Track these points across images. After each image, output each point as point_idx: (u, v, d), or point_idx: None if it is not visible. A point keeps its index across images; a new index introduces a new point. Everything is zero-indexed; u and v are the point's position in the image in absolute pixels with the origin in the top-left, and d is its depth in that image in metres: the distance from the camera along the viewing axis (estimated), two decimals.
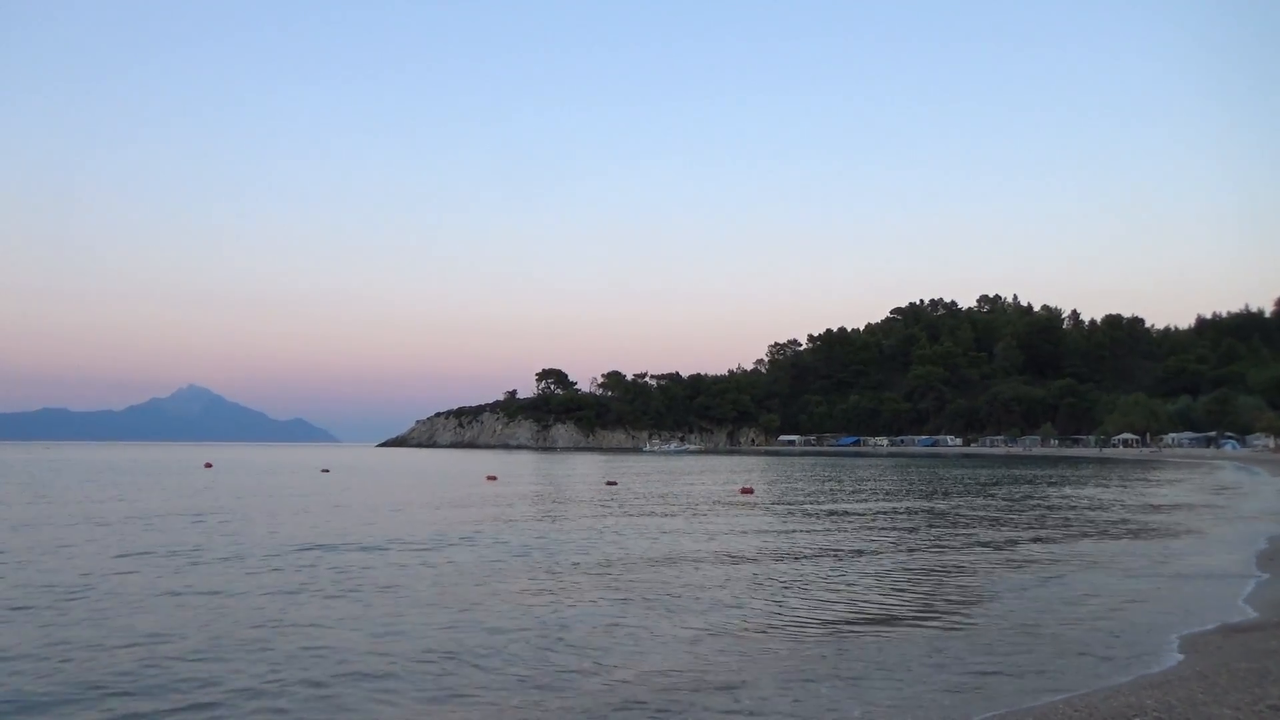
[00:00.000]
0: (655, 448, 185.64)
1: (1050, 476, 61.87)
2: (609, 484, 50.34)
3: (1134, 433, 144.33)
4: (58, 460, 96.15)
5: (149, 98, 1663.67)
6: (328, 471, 69.62)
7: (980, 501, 37.62)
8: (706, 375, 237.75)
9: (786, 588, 15.34)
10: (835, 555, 19.58)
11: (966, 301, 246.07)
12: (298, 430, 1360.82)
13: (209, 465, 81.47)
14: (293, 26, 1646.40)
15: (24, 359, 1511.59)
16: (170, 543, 20.95)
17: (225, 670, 9.78)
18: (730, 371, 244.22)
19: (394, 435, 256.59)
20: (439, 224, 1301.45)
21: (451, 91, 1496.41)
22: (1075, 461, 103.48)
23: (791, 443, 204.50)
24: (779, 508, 34.00)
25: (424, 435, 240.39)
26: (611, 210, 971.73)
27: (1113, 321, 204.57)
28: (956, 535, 24.17)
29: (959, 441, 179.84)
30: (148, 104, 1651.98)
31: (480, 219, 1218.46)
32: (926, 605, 13.91)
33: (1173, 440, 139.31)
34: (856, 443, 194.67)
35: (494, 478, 55.43)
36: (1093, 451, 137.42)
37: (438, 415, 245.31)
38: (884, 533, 24.68)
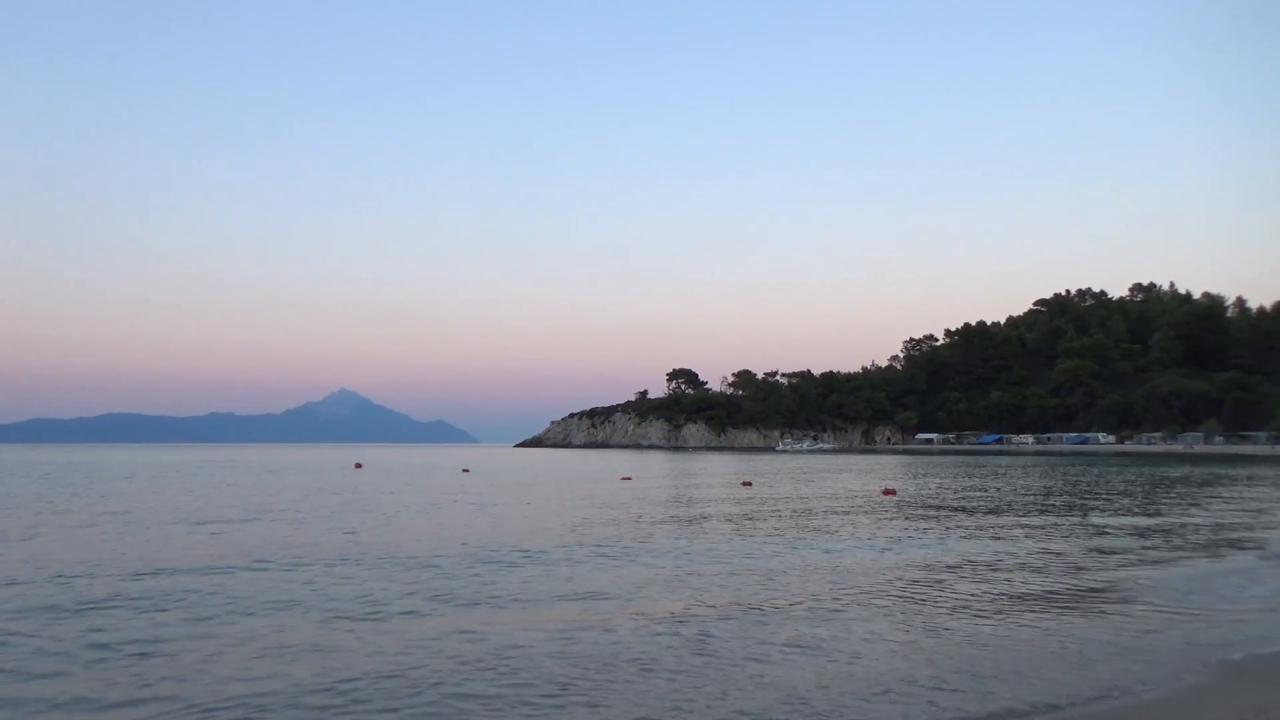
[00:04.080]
0: (788, 447, 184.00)
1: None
2: (744, 484, 50.33)
3: None
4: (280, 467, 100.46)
5: (298, 110, 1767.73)
6: (468, 471, 72.19)
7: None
8: (839, 373, 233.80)
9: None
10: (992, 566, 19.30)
11: (1117, 291, 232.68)
12: (440, 431, 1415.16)
13: (359, 466, 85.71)
14: (443, 34, 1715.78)
15: (196, 368, 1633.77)
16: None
17: None
18: (864, 368, 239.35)
19: (530, 435, 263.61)
20: (570, 228, 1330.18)
21: (583, 93, 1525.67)
22: (1250, 460, 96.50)
23: (929, 441, 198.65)
24: (923, 510, 33.44)
25: (559, 436, 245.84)
26: (741, 208, 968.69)
27: None
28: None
29: (1111, 439, 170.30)
30: (299, 118, 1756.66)
31: (607, 221, 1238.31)
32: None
33: None
34: (999, 440, 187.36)
35: (628, 478, 55.88)
36: (1264, 449, 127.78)
37: (571, 416, 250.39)
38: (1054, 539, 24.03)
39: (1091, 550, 20.55)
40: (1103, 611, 13.57)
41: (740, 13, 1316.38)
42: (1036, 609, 13.75)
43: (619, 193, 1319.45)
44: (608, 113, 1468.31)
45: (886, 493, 42.87)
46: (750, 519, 28.81)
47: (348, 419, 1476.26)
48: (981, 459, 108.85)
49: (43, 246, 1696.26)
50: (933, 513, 31.21)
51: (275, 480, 56.96)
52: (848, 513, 31.46)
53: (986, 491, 44.15)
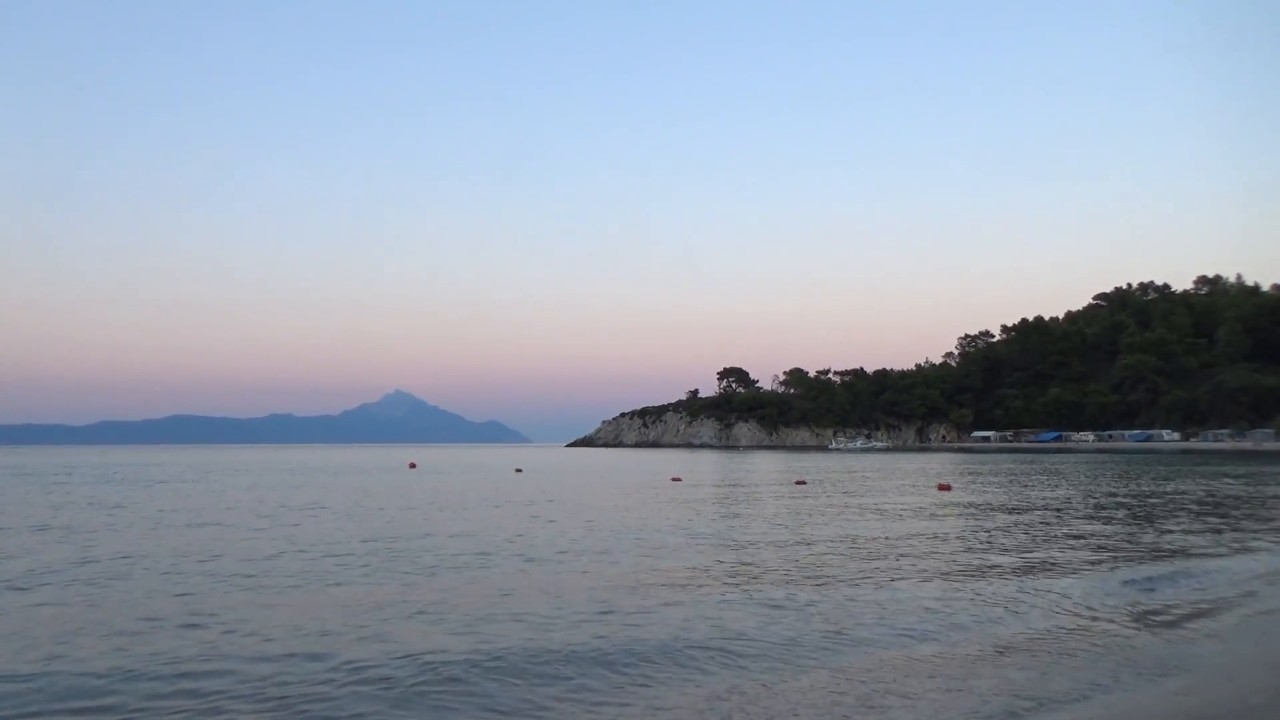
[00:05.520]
0: (841, 445, 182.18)
1: None
2: (798, 483, 50.31)
3: None
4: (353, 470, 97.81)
5: (355, 117, 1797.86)
6: (520, 471, 72.67)
7: None
8: (892, 370, 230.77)
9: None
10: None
11: (1181, 284, 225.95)
12: (492, 431, 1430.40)
13: (413, 466, 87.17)
14: (500, 40, 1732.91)
15: (257, 371, 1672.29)
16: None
17: None
18: (918, 366, 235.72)
19: (581, 435, 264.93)
20: (619, 229, 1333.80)
21: (629, 95, 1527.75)
22: None
23: (986, 439, 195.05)
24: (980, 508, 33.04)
25: (610, 435, 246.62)
26: (792, 205, 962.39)
27: None
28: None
29: (1176, 436, 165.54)
30: (357, 125, 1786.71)
31: (658, 221, 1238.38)
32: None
33: None
34: (1058, 438, 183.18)
35: (679, 479, 55.61)
36: None
37: (623, 415, 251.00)
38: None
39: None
40: None
41: (792, 13, 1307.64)
42: None
43: (670, 193, 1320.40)
44: (651, 114, 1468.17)
45: (941, 488, 42.77)
46: (822, 547, 28.57)
47: (403, 420, 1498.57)
48: (1043, 457, 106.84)
49: (109, 254, 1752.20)
50: (1021, 533, 30.42)
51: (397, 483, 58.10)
52: (923, 549, 30.97)
53: (1062, 495, 43.30)
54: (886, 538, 22.75)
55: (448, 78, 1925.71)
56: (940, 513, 30.55)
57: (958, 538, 22.80)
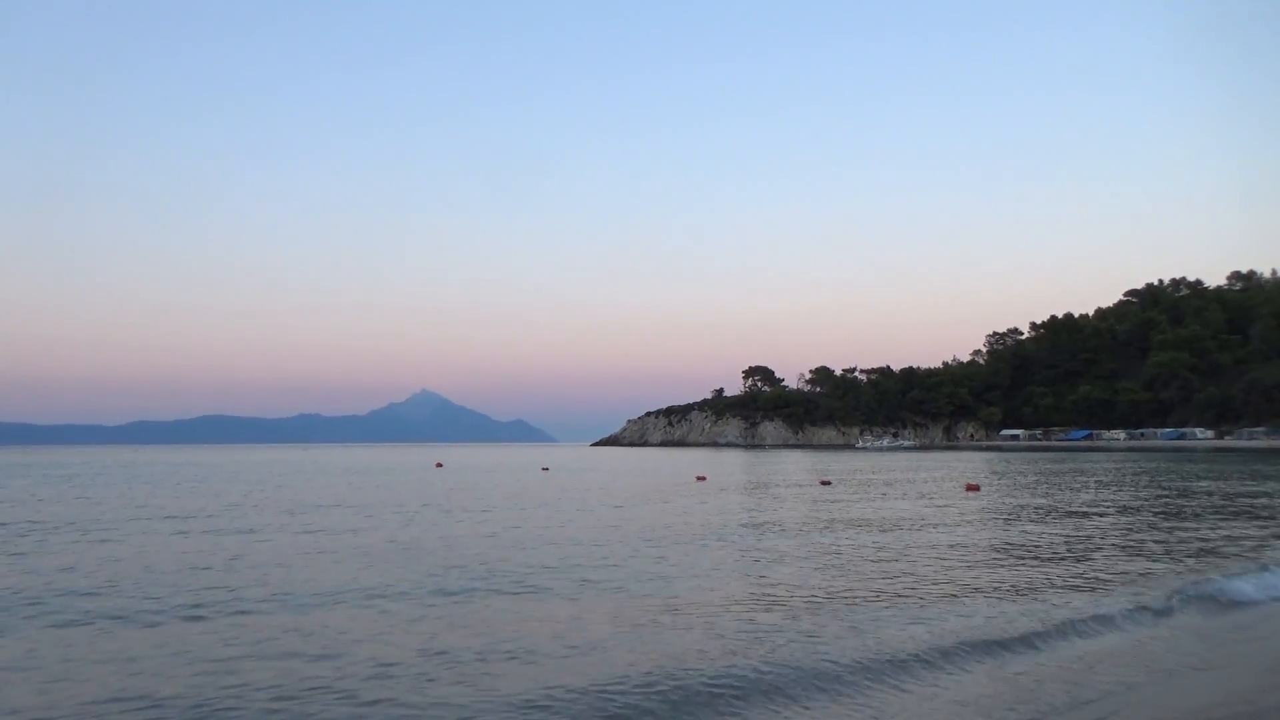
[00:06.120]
0: (867, 444, 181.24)
1: None
2: (823, 483, 50.25)
3: None
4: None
5: (380, 119, 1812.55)
6: (547, 470, 73.34)
7: None
8: (919, 368, 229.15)
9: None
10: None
11: (1214, 280, 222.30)
12: (518, 431, 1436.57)
13: (440, 465, 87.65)
14: (526, 43, 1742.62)
15: (285, 371, 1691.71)
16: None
17: None
18: (945, 364, 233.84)
19: (607, 435, 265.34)
20: (645, 228, 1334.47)
21: (650, 94, 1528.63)
22: None
23: (1015, 437, 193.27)
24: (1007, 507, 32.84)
25: (635, 434, 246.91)
26: (816, 203, 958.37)
27: None
28: None
29: (1210, 434, 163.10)
30: (380, 128, 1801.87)
31: (683, 220, 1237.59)
32: None
33: None
34: (1088, 437, 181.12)
35: (704, 478, 55.62)
36: None
37: (648, 414, 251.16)
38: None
39: None
40: None
41: (814, 12, 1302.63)
42: None
43: (695, 192, 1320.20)
44: (676, 114, 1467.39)
45: (970, 489, 42.58)
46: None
47: (429, 419, 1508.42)
48: (1074, 456, 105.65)
49: (141, 258, 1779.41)
50: (1053, 537, 30.16)
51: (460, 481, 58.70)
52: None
53: (1094, 497, 42.88)
54: (913, 543, 22.74)
55: (476, 80, 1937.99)
56: (969, 516, 30.44)
57: (987, 544, 22.73)
